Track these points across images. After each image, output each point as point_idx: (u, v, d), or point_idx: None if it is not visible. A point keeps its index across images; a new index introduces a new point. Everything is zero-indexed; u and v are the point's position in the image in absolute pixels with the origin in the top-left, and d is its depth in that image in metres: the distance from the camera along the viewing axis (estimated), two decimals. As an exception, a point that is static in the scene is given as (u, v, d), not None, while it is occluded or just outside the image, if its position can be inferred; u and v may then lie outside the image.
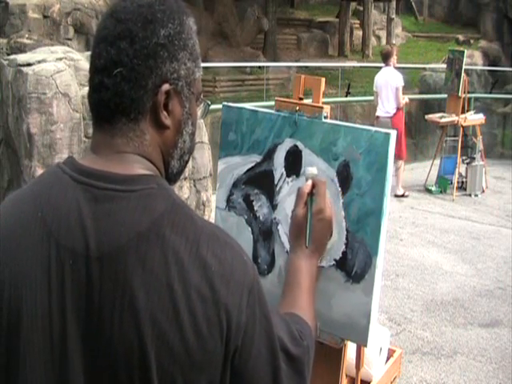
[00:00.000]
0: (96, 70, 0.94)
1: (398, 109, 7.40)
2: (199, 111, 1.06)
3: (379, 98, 7.46)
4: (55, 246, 0.89)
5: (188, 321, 0.85)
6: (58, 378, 0.88)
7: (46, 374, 0.88)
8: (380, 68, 7.83)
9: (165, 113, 0.95)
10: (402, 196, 7.64)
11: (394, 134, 1.41)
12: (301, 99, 1.55)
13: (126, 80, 0.92)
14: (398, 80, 7.35)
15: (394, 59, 7.51)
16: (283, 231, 1.56)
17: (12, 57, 4.75)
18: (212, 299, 0.87)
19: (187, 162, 1.05)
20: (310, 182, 1.31)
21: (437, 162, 8.14)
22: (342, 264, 1.48)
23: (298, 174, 1.52)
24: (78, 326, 0.87)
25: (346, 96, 10.92)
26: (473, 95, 9.83)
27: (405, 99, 7.50)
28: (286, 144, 1.53)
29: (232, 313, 0.88)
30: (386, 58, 7.55)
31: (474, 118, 7.96)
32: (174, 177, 1.03)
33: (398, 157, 7.49)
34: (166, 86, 0.94)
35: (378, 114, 7.55)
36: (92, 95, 0.96)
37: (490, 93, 12.05)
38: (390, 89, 7.36)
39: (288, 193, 1.52)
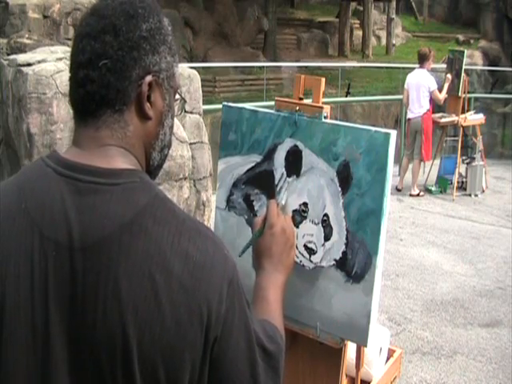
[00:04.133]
0: (80, 64, 0.96)
1: (428, 109, 7.45)
2: (176, 107, 1.10)
3: (409, 99, 7.50)
4: (39, 237, 0.90)
5: (169, 311, 0.87)
6: (40, 368, 0.89)
7: (29, 364, 0.89)
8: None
9: (148, 104, 0.98)
10: (418, 195, 7.65)
11: (393, 133, 1.41)
12: (301, 99, 1.55)
13: (111, 71, 0.95)
14: (431, 83, 7.39)
15: (429, 63, 7.53)
16: (283, 231, 1.56)
17: (12, 57, 4.74)
18: (193, 289, 0.89)
19: (166, 155, 1.08)
20: (264, 211, 1.37)
21: (437, 161, 8.14)
22: (342, 264, 1.48)
23: (298, 174, 1.52)
24: (61, 316, 0.88)
25: (346, 96, 10.92)
26: (473, 95, 9.82)
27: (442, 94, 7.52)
28: (286, 144, 1.53)
29: (212, 303, 0.90)
30: (421, 59, 7.56)
31: (474, 118, 7.95)
32: (154, 170, 1.06)
33: (424, 158, 7.53)
34: (149, 77, 0.97)
35: (408, 116, 7.66)
36: (77, 90, 0.97)
37: (490, 93, 12.06)
38: (421, 90, 7.41)
39: (288, 193, 1.52)
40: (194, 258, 0.90)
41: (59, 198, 0.91)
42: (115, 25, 0.95)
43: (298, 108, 1.52)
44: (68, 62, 1.01)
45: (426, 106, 7.48)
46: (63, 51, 4.65)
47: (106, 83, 0.95)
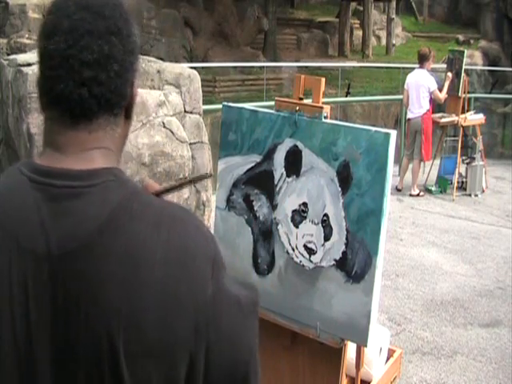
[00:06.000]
0: (85, 63, 0.91)
1: (428, 109, 7.45)
2: None
3: (409, 99, 7.52)
4: (16, 249, 0.88)
5: (154, 306, 0.86)
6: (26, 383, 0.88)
7: (13, 380, 0.88)
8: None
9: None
10: (418, 195, 7.65)
11: (393, 133, 1.41)
12: (301, 99, 1.55)
13: (118, 75, 0.93)
14: (431, 83, 7.38)
15: (429, 63, 7.52)
16: (283, 231, 1.56)
17: (12, 57, 4.74)
18: (178, 279, 0.88)
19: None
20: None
21: (437, 161, 8.14)
22: (342, 264, 1.48)
23: (298, 174, 1.52)
24: (44, 327, 0.87)
25: (346, 96, 10.92)
26: (473, 95, 9.81)
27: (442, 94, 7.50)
28: (286, 144, 1.53)
29: (198, 287, 0.89)
30: (421, 59, 7.54)
31: (474, 118, 7.95)
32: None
33: (424, 158, 7.53)
34: (136, 81, 0.98)
35: (408, 116, 7.66)
36: (77, 90, 0.91)
37: (490, 93, 12.06)
38: (420, 91, 7.41)
39: (288, 193, 1.52)
40: (174, 247, 0.89)
41: (34, 207, 0.89)
42: (119, 27, 0.93)
43: (297, 108, 1.52)
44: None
45: (426, 106, 7.48)
46: (63, 51, 4.64)
47: (114, 87, 0.93)
